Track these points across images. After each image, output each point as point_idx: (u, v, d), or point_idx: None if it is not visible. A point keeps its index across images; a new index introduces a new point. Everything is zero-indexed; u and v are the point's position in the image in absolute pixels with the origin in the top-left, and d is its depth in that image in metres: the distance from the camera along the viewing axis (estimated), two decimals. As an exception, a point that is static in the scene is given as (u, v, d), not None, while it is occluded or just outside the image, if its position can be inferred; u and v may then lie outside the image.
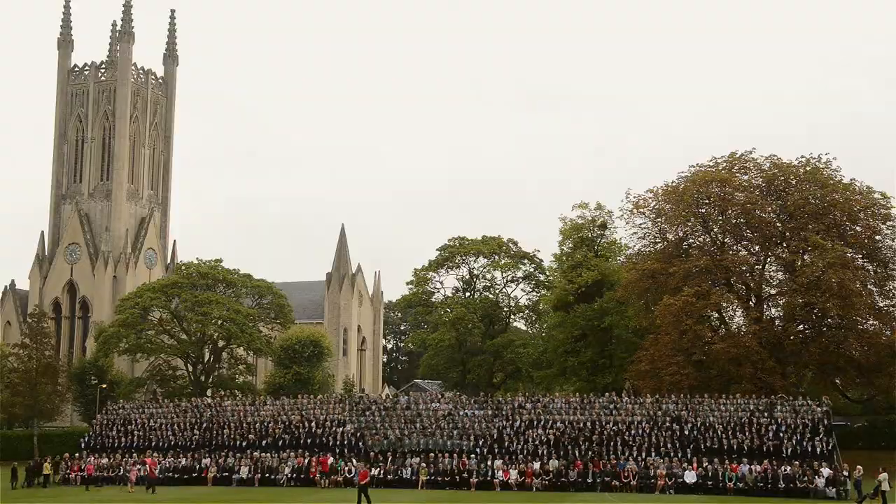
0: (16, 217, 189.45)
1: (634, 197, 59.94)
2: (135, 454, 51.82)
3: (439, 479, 46.03)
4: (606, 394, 52.44)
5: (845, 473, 41.67)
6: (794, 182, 56.75)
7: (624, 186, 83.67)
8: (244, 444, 51.57)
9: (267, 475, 48.20)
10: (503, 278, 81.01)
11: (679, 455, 45.26)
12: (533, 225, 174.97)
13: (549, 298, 73.41)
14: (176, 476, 49.32)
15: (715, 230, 58.41)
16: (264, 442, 51.43)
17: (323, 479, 46.79)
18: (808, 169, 56.56)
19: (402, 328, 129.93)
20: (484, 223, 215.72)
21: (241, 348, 79.13)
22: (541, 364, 71.87)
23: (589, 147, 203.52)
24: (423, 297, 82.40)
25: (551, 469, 45.50)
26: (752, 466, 43.06)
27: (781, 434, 45.43)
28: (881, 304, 55.86)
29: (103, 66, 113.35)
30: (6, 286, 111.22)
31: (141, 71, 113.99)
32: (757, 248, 57.71)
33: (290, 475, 47.88)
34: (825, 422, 46.22)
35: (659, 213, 58.59)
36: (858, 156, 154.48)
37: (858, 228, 54.96)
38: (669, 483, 43.18)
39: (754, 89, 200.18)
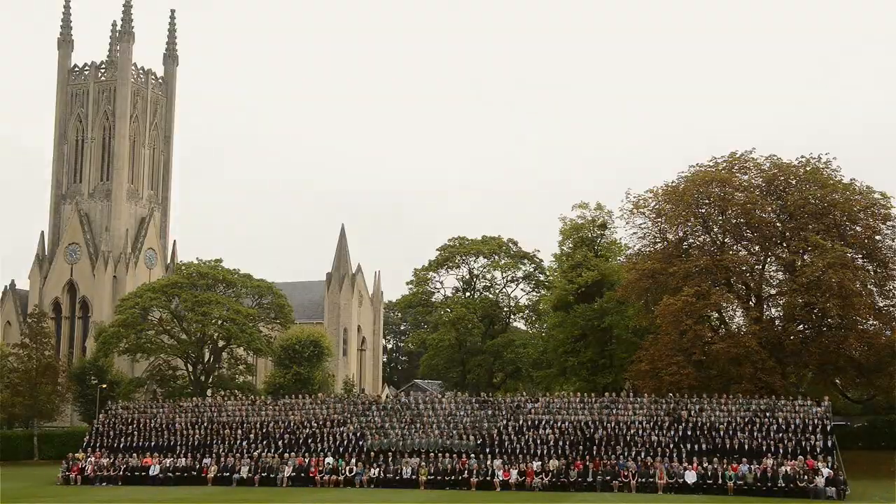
0: (16, 217, 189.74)
1: (634, 197, 59.89)
2: (135, 454, 51.90)
3: (439, 479, 45.99)
4: (606, 393, 52.45)
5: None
6: (794, 182, 56.68)
7: (624, 186, 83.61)
8: (245, 443, 51.57)
9: (267, 475, 48.19)
10: (503, 278, 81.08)
11: (679, 455, 45.27)
12: (533, 225, 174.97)
13: (549, 298, 73.40)
14: (176, 476, 49.36)
15: (715, 230, 58.35)
16: (264, 442, 51.45)
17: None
18: (808, 169, 56.49)
19: (402, 328, 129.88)
20: (484, 223, 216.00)
21: (241, 348, 79.09)
22: (541, 364, 71.91)
23: (589, 147, 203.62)
24: (423, 297, 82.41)
25: (551, 469, 45.50)
26: (752, 466, 43.06)
27: (781, 434, 45.44)
28: (881, 304, 55.75)
29: (103, 66, 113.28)
30: (6, 286, 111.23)
31: (141, 71, 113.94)
32: (757, 248, 57.62)
33: (290, 475, 47.90)
34: (825, 422, 46.21)
35: (659, 213, 58.50)
36: (858, 156, 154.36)
37: (858, 228, 54.88)
38: (670, 483, 43.20)
39: (754, 89, 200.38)
